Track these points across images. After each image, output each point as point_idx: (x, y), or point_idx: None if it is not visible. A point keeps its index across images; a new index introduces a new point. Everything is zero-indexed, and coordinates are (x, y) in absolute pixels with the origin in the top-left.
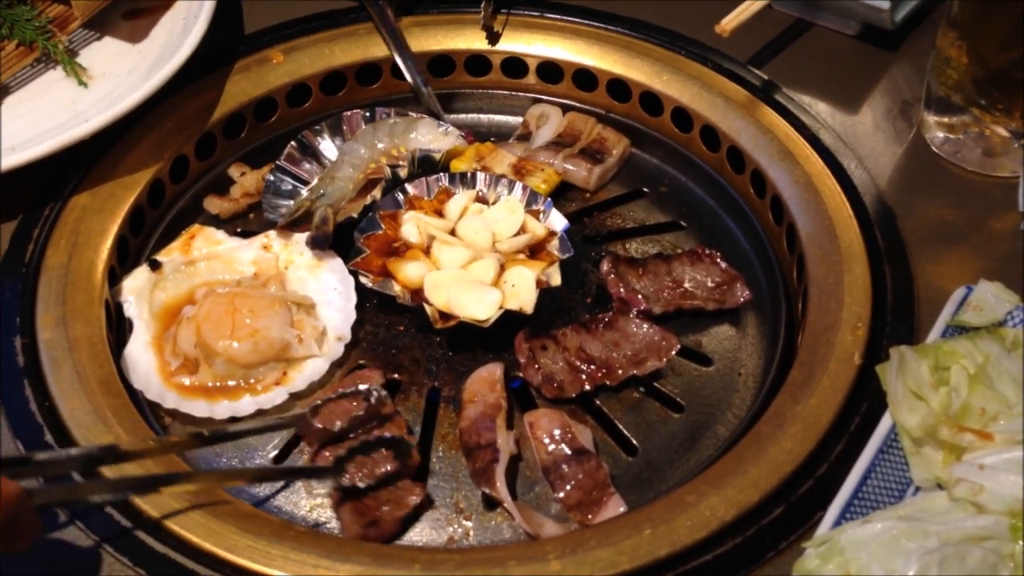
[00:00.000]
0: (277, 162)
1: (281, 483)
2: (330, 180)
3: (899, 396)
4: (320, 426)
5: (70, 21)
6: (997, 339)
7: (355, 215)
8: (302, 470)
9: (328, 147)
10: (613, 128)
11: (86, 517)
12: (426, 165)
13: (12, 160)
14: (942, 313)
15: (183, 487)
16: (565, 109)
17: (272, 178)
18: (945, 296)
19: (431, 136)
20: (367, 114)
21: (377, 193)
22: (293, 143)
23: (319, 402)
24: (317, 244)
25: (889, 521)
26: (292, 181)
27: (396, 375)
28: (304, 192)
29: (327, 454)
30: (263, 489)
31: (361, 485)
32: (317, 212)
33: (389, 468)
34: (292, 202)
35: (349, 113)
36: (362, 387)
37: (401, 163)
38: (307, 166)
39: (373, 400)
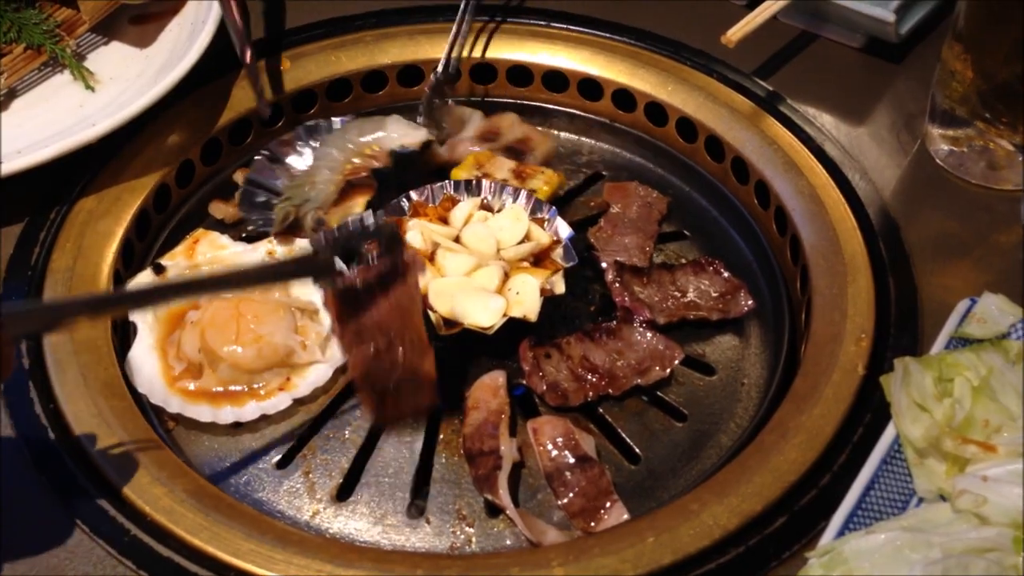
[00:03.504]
0: (248, 175)
1: (284, 489)
2: (311, 185)
3: (903, 407)
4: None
5: (78, 25)
6: (1000, 351)
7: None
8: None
9: (295, 159)
10: (540, 130)
11: (89, 520)
12: (401, 160)
13: (19, 163)
14: (946, 325)
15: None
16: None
17: (246, 190)
18: (948, 308)
19: (401, 131)
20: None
21: (361, 202)
22: (263, 153)
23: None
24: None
25: (892, 532)
26: (265, 192)
27: None
28: (277, 201)
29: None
30: (266, 493)
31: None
32: (308, 216)
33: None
34: (270, 212)
35: (312, 124)
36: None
37: (375, 163)
38: (277, 178)
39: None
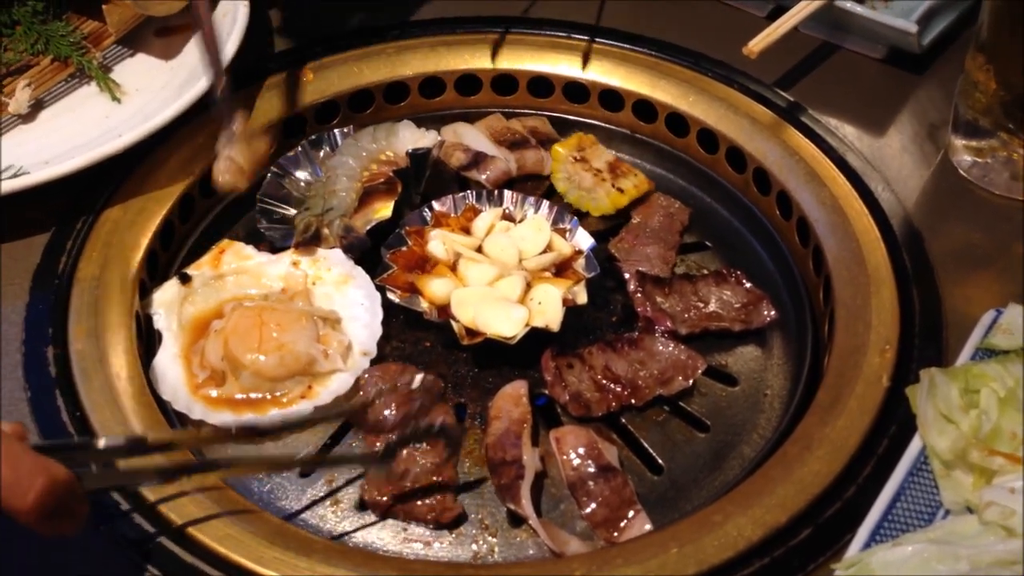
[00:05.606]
0: (260, 193)
1: (308, 497)
2: (332, 194)
3: (929, 419)
4: (373, 419)
5: (104, 37)
6: None
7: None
8: (350, 457)
9: (303, 173)
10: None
11: (113, 523)
12: (420, 162)
13: (45, 174)
14: (972, 336)
15: (229, 472)
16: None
17: (262, 207)
18: (973, 319)
19: (413, 137)
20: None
21: (384, 207)
22: (272, 170)
23: (372, 396)
24: (352, 249)
25: (919, 544)
26: (281, 207)
27: None
28: (295, 213)
29: (377, 444)
30: (290, 502)
31: (407, 485)
32: (334, 224)
33: (437, 459)
34: (289, 226)
35: (315, 137)
36: (418, 377)
37: (391, 168)
38: (290, 192)
39: (426, 387)
